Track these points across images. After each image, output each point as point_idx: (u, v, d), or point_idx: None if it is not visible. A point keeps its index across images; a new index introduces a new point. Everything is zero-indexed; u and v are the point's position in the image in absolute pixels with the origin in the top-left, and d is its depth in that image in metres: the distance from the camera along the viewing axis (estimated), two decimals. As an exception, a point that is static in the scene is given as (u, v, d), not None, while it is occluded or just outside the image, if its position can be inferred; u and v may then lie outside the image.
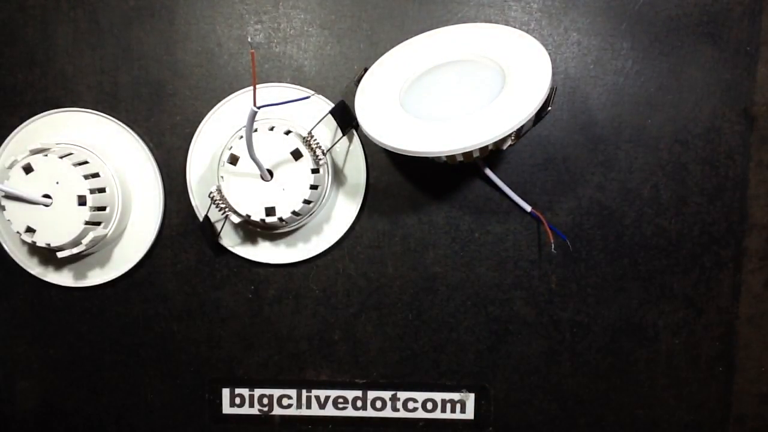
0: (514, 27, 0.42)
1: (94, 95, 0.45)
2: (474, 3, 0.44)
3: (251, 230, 0.45)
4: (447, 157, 0.38)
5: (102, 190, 0.42)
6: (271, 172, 0.40)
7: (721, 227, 0.45)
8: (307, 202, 0.40)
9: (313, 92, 0.43)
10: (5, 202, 0.40)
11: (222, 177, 0.40)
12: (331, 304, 0.46)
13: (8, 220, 0.40)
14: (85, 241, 0.41)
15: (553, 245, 0.44)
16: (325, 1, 0.44)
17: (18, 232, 0.40)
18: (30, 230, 0.40)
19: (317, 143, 0.40)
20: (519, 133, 0.40)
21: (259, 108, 0.33)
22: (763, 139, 0.44)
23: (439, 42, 0.42)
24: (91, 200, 0.40)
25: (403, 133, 0.36)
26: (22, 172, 0.40)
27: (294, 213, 0.40)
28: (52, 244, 0.40)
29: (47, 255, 0.45)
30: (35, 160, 0.40)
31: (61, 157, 0.40)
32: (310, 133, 0.40)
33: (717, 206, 0.45)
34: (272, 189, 0.40)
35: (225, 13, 0.44)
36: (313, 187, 0.40)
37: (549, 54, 0.37)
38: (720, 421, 0.47)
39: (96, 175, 0.42)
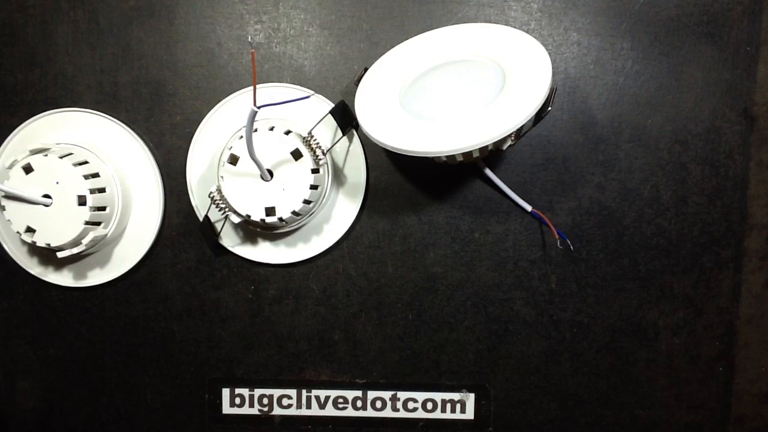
0: (514, 27, 0.42)
1: (94, 95, 0.45)
2: (474, 3, 0.44)
3: (251, 230, 0.45)
4: (447, 157, 0.38)
5: (102, 190, 0.42)
6: (271, 172, 0.40)
7: (721, 227, 0.45)
8: (307, 202, 0.40)
9: (312, 92, 0.43)
10: (5, 202, 0.40)
11: (222, 177, 0.40)
12: (331, 304, 0.46)
13: (8, 220, 0.40)
14: (85, 241, 0.41)
15: (558, 241, 0.44)
16: (325, 1, 0.44)
17: (18, 232, 0.40)
18: (30, 230, 0.40)
19: (317, 143, 0.40)
20: (519, 133, 0.40)
21: (259, 108, 0.33)
22: (763, 139, 0.44)
23: (439, 42, 0.42)
24: (91, 200, 0.40)
25: (403, 133, 0.36)
26: (22, 172, 0.40)
27: (294, 213, 0.40)
28: (52, 244, 0.40)
29: (47, 255, 0.45)
30: (35, 160, 0.40)
31: (61, 157, 0.40)
32: (310, 133, 0.40)
33: (717, 206, 0.45)
34: (272, 189, 0.40)
35: (225, 13, 0.44)
36: (313, 187, 0.40)
37: (549, 54, 0.37)
38: (720, 421, 0.47)
39: (96, 175, 0.42)
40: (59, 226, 0.40)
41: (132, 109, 0.45)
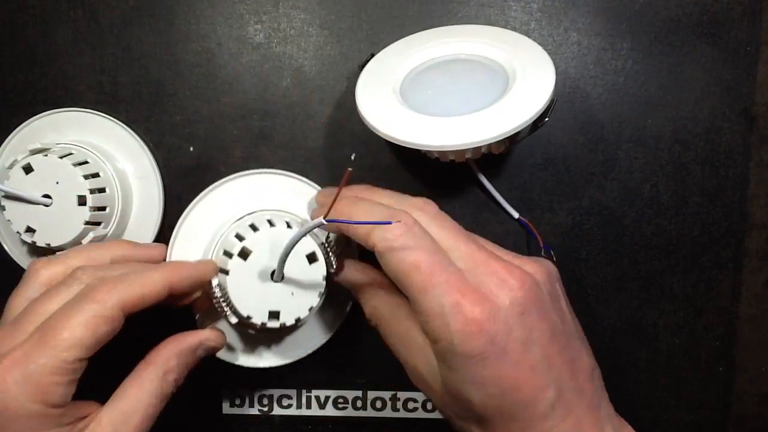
0: (514, 27, 0.42)
1: (94, 95, 0.45)
2: (474, 3, 0.44)
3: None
4: (439, 153, 0.37)
5: (102, 190, 0.42)
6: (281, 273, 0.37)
7: (721, 227, 0.45)
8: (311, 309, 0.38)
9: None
10: (5, 202, 0.40)
11: (228, 271, 0.36)
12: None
13: (8, 220, 0.40)
14: (85, 241, 0.41)
15: (542, 250, 0.43)
16: (325, 1, 0.44)
17: (18, 232, 0.40)
18: (30, 230, 0.40)
19: (332, 247, 0.38)
20: (514, 139, 0.39)
21: (328, 222, 0.31)
22: (763, 139, 0.44)
23: (450, 38, 0.41)
24: (91, 200, 0.40)
25: (398, 123, 0.36)
26: (22, 172, 0.40)
27: (297, 320, 0.37)
28: (52, 244, 0.40)
29: (47, 255, 0.45)
30: (35, 160, 0.40)
31: (61, 157, 0.40)
32: (327, 237, 0.39)
33: (717, 206, 0.45)
34: (281, 291, 0.37)
35: (225, 13, 0.44)
36: (321, 294, 0.37)
37: (549, 54, 0.37)
38: (720, 421, 0.47)
39: (96, 175, 0.42)
40: (59, 226, 0.40)
41: (132, 109, 0.45)
